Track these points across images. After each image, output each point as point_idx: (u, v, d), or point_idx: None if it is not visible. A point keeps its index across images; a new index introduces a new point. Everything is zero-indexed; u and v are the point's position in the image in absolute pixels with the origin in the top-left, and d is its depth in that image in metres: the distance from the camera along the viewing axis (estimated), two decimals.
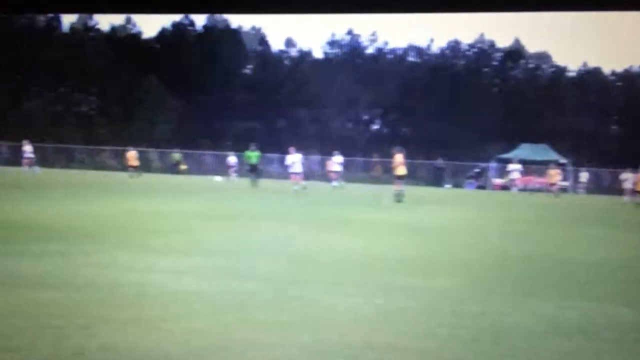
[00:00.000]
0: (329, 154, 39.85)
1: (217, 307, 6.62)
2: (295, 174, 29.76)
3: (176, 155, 52.11)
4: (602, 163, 53.32)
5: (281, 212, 19.03)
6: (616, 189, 38.37)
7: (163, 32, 70.45)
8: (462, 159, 52.82)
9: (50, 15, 66.36)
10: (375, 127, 69.88)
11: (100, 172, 43.63)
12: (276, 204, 23.11)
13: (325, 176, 41.02)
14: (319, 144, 56.26)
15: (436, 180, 50.73)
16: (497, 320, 6.63)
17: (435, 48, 71.14)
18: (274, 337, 5.60)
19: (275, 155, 47.89)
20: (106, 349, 4.96)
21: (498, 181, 48.79)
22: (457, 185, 50.84)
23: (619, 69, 69.36)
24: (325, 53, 71.26)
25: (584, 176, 50.04)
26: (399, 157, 25.44)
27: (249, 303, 6.91)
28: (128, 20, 71.67)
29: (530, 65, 70.99)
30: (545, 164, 44.06)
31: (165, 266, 8.83)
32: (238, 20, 70.73)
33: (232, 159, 44.59)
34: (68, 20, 70.24)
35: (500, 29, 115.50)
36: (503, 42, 73.63)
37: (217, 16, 67.21)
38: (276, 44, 76.03)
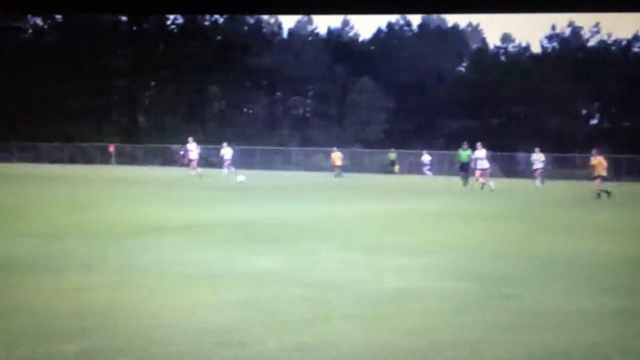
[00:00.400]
0: (543, 150, 38.37)
1: (444, 306, 6.39)
2: (482, 169, 28.91)
3: (392, 155, 52.06)
4: None
5: (507, 212, 18.10)
6: None
7: (378, 34, 71.11)
8: None
9: (271, 20, 69.37)
10: (594, 122, 66.01)
11: (312, 172, 44.30)
12: (497, 203, 21.97)
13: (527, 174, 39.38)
14: (535, 140, 54.00)
15: None
16: None
17: None
18: (503, 336, 5.32)
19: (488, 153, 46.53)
20: (327, 344, 4.88)
21: None
22: None
23: None
24: (544, 47, 68.23)
25: None
26: (598, 159, 24.22)
27: (478, 302, 6.58)
28: (345, 24, 72.96)
29: None
30: None
31: (396, 265, 8.56)
32: (454, 18, 69.66)
33: (426, 158, 44.30)
34: (287, 25, 72.82)
35: None
36: None
37: (433, 15, 66.65)
38: (493, 40, 74.09)
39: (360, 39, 72.93)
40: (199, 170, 35.11)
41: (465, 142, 32.97)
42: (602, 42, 66.90)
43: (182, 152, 37.07)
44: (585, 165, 28.15)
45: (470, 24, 74.58)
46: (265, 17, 68.27)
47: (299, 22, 71.89)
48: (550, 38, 67.93)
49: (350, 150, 56.62)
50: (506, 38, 69.64)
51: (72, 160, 60.51)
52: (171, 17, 67.63)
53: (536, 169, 36.46)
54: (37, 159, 60.10)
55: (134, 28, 67.80)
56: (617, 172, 40.84)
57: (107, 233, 10.72)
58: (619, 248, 10.62)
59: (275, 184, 31.24)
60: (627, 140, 25.57)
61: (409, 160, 54.12)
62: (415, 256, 9.31)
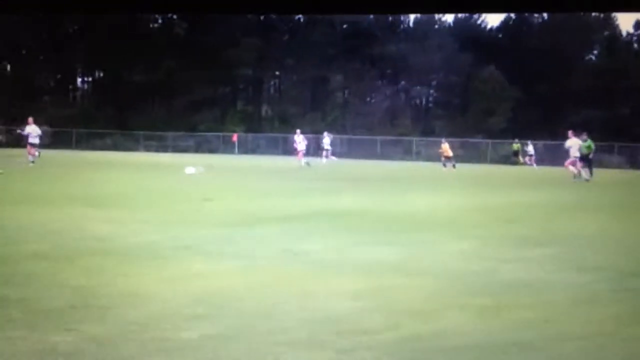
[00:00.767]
0: None
1: (560, 298, 6.20)
2: (575, 158, 28.12)
3: (515, 145, 51.04)
4: None
5: (626, 203, 17.83)
6: None
7: (507, 21, 69.70)
8: None
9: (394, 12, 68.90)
10: None
11: (433, 163, 43.83)
12: (616, 194, 21.71)
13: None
14: None
15: None
16: None
17: None
18: (624, 330, 5.19)
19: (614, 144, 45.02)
20: (439, 336, 4.85)
21: None
22: None
23: None
24: None
25: None
26: None
27: (597, 295, 6.40)
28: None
29: None
30: None
31: (511, 256, 8.36)
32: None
33: (530, 148, 45.14)
34: (413, 14, 72.22)
35: None
36: None
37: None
38: (626, 27, 71.01)
39: (488, 26, 71.53)
40: (304, 160, 35.37)
41: (584, 132, 31.93)
42: None
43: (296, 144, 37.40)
44: None
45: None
46: None
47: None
48: None
49: (471, 141, 55.82)
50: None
51: (197, 149, 62.34)
52: None
53: None
54: (162, 148, 62.23)
55: (261, 18, 68.88)
56: None
57: (224, 222, 10.87)
58: None
59: (388, 174, 31.21)
60: None
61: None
62: (531, 247, 9.11)
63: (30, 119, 28.92)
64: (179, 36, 67.41)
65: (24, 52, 71.20)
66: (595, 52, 67.39)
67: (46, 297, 5.52)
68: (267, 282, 6.47)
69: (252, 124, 69.64)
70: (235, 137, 60.12)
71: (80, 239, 8.57)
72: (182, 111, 67.68)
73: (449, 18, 71.05)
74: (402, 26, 71.19)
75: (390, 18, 68.86)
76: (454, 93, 67.67)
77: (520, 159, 49.38)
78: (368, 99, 73.29)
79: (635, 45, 66.44)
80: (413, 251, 8.53)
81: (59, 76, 76.01)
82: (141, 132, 63.38)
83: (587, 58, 66.74)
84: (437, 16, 70.16)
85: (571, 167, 28.10)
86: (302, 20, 70.19)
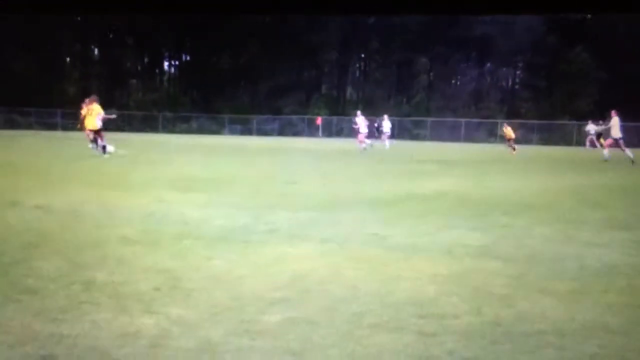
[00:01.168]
0: None
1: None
2: (614, 139, 27.34)
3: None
4: None
5: None
6: None
7: None
8: None
9: None
10: None
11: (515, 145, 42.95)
12: None
13: None
14: None
15: None
16: None
17: None
18: None
19: None
20: (521, 320, 4.79)
21: None
22: None
23: None
24: None
25: None
26: None
27: None
28: None
29: None
30: None
31: (595, 240, 8.21)
32: None
33: (591, 128, 44.92)
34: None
35: None
36: None
37: None
38: None
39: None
40: (367, 142, 35.00)
41: None
42: None
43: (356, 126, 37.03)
44: None
45: None
46: None
47: None
48: None
49: (557, 123, 54.60)
50: None
51: (280, 132, 62.83)
52: None
53: None
54: (247, 131, 62.96)
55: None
56: None
57: (309, 205, 10.93)
58: None
59: (472, 156, 31.18)
60: None
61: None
62: (617, 231, 8.91)
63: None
64: (265, 20, 67.96)
65: (111, 36, 72.96)
66: None
67: (132, 281, 5.64)
68: (351, 265, 6.47)
69: (336, 107, 69.80)
70: (319, 120, 60.36)
71: (168, 223, 8.75)
72: (266, 95, 68.34)
73: None
74: None
75: None
76: (540, 75, 66.10)
77: (602, 140, 48.71)
78: (453, 81, 72.39)
79: None
80: (497, 235, 8.42)
81: (146, 60, 77.75)
82: (226, 116, 64.25)
83: None
84: None
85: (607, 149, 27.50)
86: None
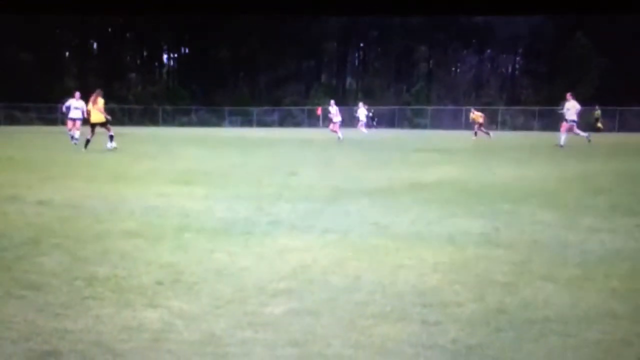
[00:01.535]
0: None
1: None
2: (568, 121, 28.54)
3: (597, 112, 50.23)
4: None
5: None
6: None
7: None
8: None
9: None
10: None
11: (519, 132, 42.99)
12: None
13: None
14: None
15: None
16: None
17: None
18: None
19: None
20: (525, 307, 4.78)
21: None
22: None
23: None
24: None
25: None
26: None
27: None
28: None
29: None
30: None
31: (599, 226, 8.20)
32: None
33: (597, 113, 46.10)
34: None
35: None
36: None
37: None
38: None
39: None
40: (340, 133, 35.01)
41: None
42: None
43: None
44: None
45: None
46: None
47: None
48: None
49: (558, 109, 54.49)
50: None
51: (281, 123, 62.75)
52: None
53: None
54: (247, 122, 62.86)
55: None
56: None
57: (311, 196, 10.94)
58: None
59: (473, 144, 31.24)
60: None
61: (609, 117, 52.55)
62: (620, 216, 8.92)
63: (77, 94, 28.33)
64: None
65: (110, 30, 72.84)
66: None
67: (134, 275, 5.63)
68: (353, 255, 6.47)
69: (337, 97, 69.71)
70: (319, 111, 60.20)
71: (169, 216, 8.73)
72: (266, 86, 68.26)
73: None
74: None
75: None
76: (540, 61, 65.94)
77: (599, 125, 49.30)
78: (453, 69, 72.24)
79: None
80: (499, 222, 8.41)
81: (145, 53, 77.62)
82: (226, 108, 64.14)
83: None
84: None
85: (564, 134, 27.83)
86: None
